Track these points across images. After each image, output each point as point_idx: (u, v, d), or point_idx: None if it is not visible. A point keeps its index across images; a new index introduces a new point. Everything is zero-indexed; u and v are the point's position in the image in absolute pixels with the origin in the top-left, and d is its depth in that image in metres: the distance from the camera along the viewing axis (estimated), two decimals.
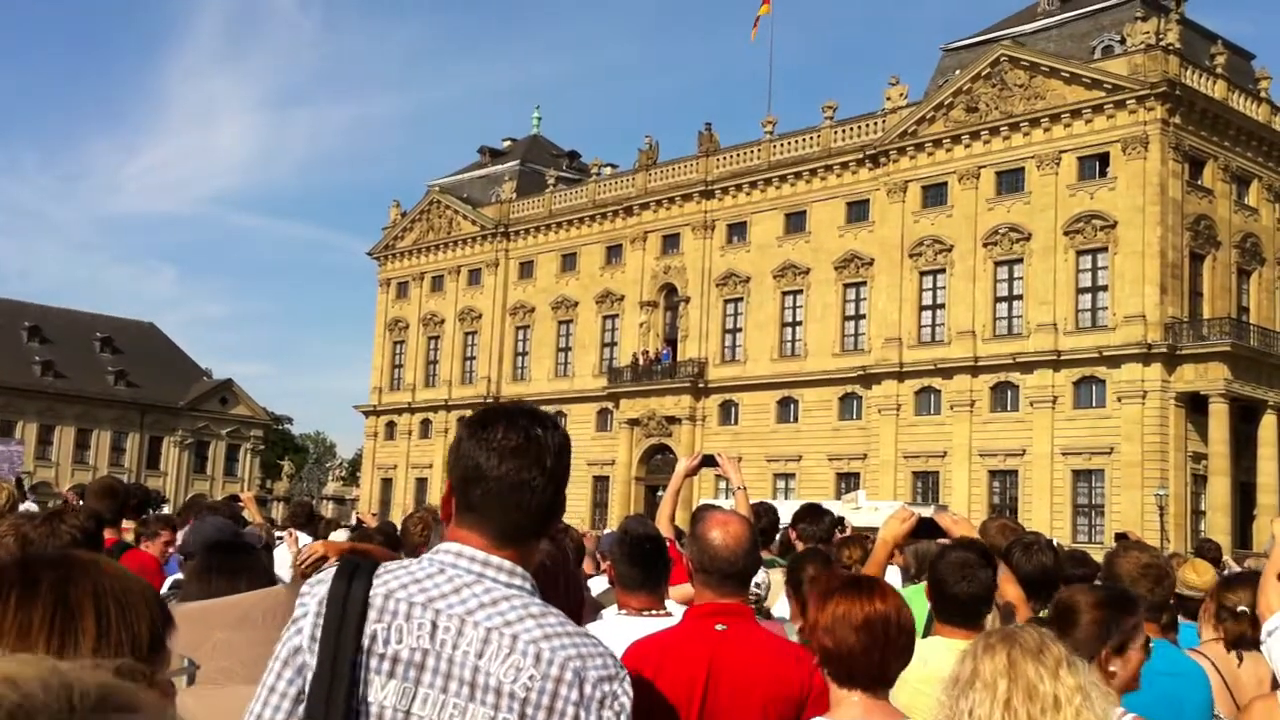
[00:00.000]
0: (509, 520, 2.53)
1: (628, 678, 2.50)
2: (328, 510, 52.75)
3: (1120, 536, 11.75)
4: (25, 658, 0.86)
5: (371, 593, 2.47)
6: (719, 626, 4.19)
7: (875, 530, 15.34)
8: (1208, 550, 15.57)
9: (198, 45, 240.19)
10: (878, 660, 3.48)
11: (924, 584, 6.27)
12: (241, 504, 11.60)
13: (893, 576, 7.04)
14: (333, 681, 2.40)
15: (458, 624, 2.43)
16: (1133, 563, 5.86)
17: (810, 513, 8.37)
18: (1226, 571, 10.56)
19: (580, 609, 3.54)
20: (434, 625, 2.43)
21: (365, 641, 2.43)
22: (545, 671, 2.39)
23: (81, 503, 8.75)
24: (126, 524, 8.52)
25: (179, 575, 6.53)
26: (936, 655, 4.56)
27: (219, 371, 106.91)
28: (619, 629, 4.68)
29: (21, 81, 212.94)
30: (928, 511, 5.95)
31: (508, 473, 2.52)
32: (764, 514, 8.62)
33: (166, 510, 27.60)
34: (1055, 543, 7.10)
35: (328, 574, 2.56)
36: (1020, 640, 2.88)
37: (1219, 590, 5.83)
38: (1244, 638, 5.60)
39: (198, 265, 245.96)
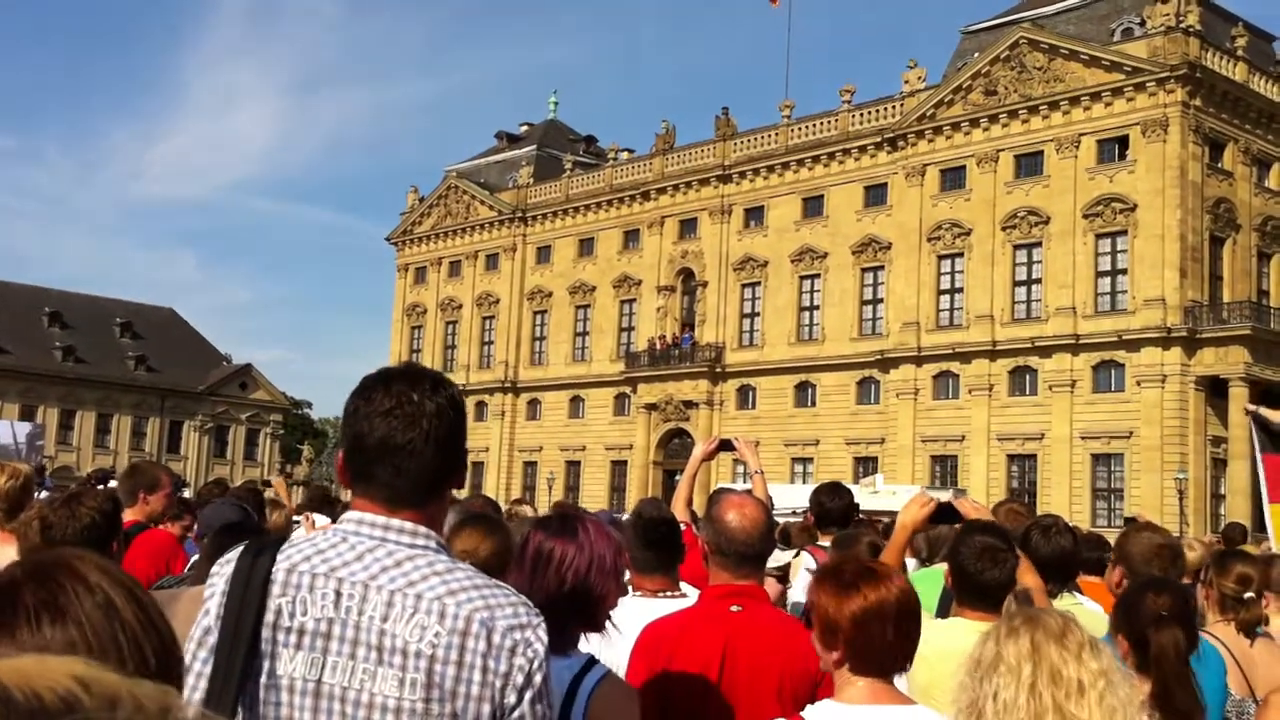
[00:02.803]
0: (391, 486, 2.51)
1: (541, 625, 2.48)
2: (346, 494, 52.92)
3: (1130, 520, 11.72)
4: (96, 665, 0.86)
5: (274, 568, 2.48)
6: (734, 608, 4.20)
7: (890, 514, 15.31)
8: (1235, 533, 15.51)
9: (218, 31, 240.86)
10: (902, 648, 3.45)
11: (936, 567, 6.27)
12: (272, 488, 11.86)
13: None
14: (231, 652, 2.42)
15: (361, 590, 2.43)
16: (1145, 544, 5.83)
17: (831, 489, 8.33)
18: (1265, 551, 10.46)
19: (594, 596, 3.50)
20: (337, 594, 2.43)
21: (271, 616, 2.44)
22: (451, 627, 2.38)
23: (105, 485, 8.81)
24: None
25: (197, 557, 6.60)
26: (958, 636, 4.55)
27: (238, 357, 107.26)
28: (634, 610, 4.69)
29: (43, 69, 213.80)
30: (946, 496, 5.94)
31: (382, 438, 2.50)
32: None
33: (187, 494, 27.71)
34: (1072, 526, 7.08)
35: (234, 553, 2.56)
36: (1044, 624, 2.86)
37: (1216, 577, 5.76)
38: (1257, 623, 5.57)
39: (217, 251, 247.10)
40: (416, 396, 2.53)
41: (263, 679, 2.42)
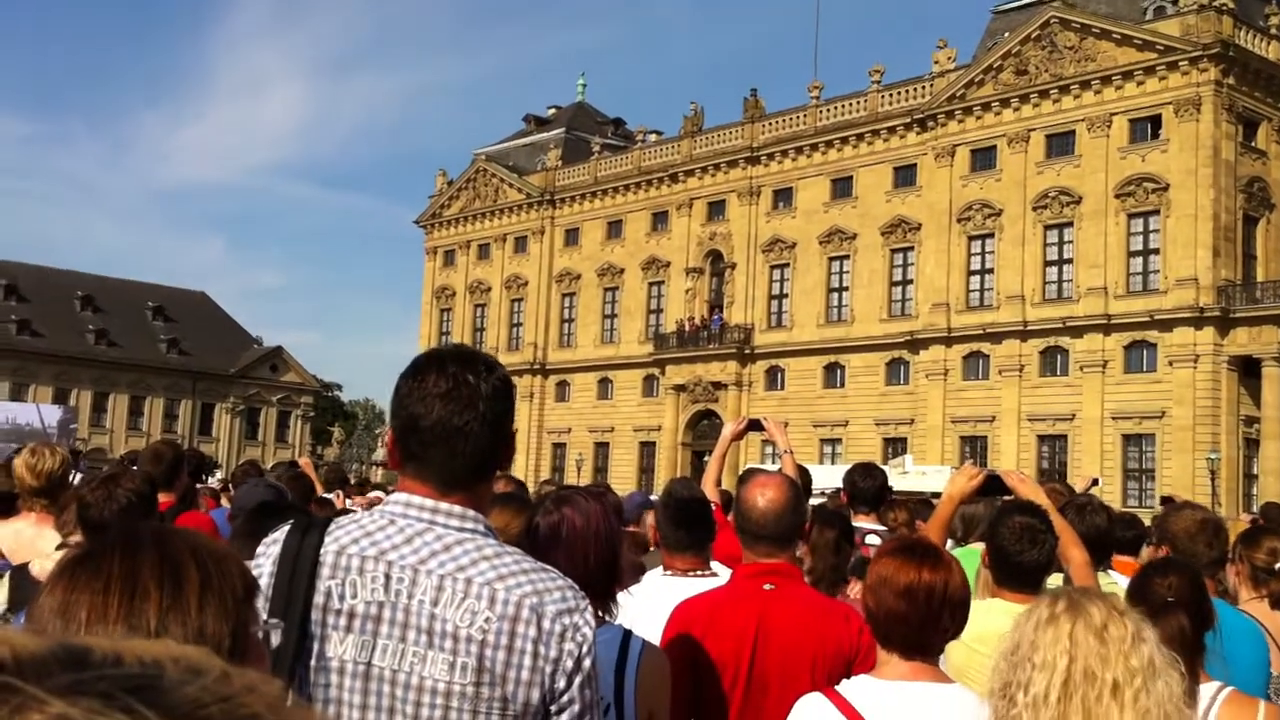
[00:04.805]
0: (447, 468, 2.51)
1: (589, 609, 2.49)
2: (377, 475, 53.17)
3: (1166, 500, 11.65)
4: (207, 652, 0.85)
5: (323, 550, 2.49)
6: (767, 586, 4.20)
7: (919, 495, 15.21)
8: (1273, 512, 15.31)
9: (246, 14, 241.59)
10: (915, 628, 3.41)
11: (973, 546, 6.25)
12: (301, 468, 11.94)
13: None
14: (283, 633, 2.40)
15: (411, 574, 2.44)
16: (1188, 520, 5.78)
17: (863, 470, 8.30)
18: None
19: (605, 576, 3.55)
20: (387, 577, 2.44)
21: (320, 599, 2.45)
22: (501, 612, 2.39)
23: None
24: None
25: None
26: (995, 618, 4.53)
27: (269, 340, 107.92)
28: (665, 589, 4.70)
29: (71, 53, 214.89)
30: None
31: (440, 419, 2.50)
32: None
33: (219, 475, 28.01)
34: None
35: (280, 533, 2.57)
36: (1085, 614, 2.78)
37: (1244, 550, 5.70)
38: None
39: (247, 234, 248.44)
40: (473, 378, 2.54)
41: (312, 661, 2.44)
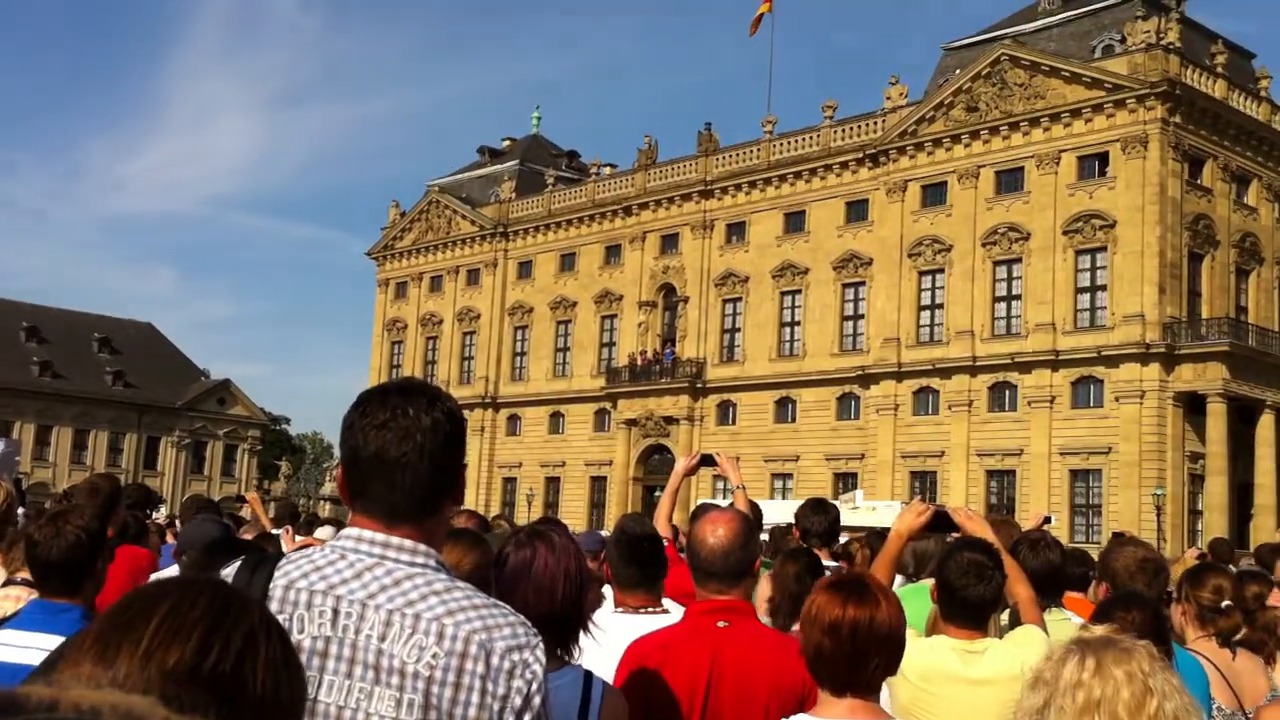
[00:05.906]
0: (387, 500, 2.49)
1: (540, 646, 2.46)
2: (325, 510, 52.69)
3: (1118, 535, 11.75)
4: (155, 703, 0.82)
5: (272, 584, 2.45)
6: (721, 624, 4.19)
7: (870, 530, 15.30)
8: (1220, 548, 15.36)
9: (198, 44, 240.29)
10: (842, 664, 3.38)
11: (924, 583, 6.27)
12: (247, 503, 11.85)
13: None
14: None
15: (359, 609, 2.41)
16: (1129, 557, 5.85)
17: (815, 506, 8.34)
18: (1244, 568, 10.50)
19: (571, 616, 3.54)
20: (335, 612, 2.41)
21: None
22: (449, 648, 2.36)
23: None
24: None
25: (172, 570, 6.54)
26: (940, 655, 4.54)
27: (217, 372, 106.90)
28: (617, 627, 4.68)
29: (20, 80, 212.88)
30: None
31: (376, 451, 2.48)
32: None
33: (164, 510, 27.66)
34: None
35: (231, 569, 2.54)
36: (1112, 681, 2.74)
37: (1190, 590, 5.74)
38: (1236, 632, 5.57)
39: (197, 266, 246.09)
40: (412, 410, 2.51)
41: None
